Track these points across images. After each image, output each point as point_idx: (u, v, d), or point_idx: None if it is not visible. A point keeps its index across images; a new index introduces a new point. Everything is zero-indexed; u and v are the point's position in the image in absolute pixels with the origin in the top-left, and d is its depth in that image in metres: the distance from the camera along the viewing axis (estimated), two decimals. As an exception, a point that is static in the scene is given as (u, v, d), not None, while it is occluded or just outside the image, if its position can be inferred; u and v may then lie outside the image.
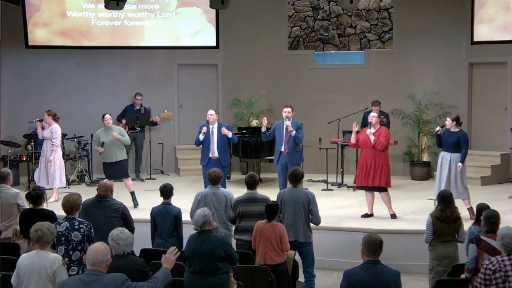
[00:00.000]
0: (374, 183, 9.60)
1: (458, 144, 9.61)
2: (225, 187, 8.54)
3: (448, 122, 9.72)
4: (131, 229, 7.12)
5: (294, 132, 10.18)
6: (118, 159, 10.68)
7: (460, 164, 9.60)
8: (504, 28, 13.17)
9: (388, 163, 9.76)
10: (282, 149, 10.31)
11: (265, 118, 10.74)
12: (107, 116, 10.85)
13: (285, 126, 10.28)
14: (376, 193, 9.82)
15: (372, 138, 9.56)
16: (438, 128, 9.86)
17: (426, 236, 7.21)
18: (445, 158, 9.70)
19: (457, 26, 13.65)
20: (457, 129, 9.69)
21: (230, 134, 10.18)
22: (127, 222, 7.25)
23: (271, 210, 7.04)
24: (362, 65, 14.45)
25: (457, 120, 9.72)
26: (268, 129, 10.81)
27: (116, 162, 10.67)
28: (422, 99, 13.52)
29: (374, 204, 9.88)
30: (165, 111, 14.03)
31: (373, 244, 5.07)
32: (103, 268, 4.75)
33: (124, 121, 13.56)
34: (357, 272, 5.06)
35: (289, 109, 10.35)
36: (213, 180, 7.84)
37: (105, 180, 7.82)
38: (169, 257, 5.15)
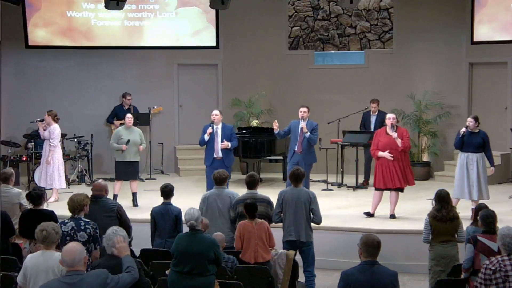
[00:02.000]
0: (403, 183, 9.61)
1: (482, 144, 9.62)
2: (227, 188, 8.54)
3: (472, 123, 9.63)
4: (128, 228, 7.13)
5: (308, 133, 10.25)
6: (135, 159, 10.73)
7: (493, 168, 9.73)
8: (504, 28, 13.18)
9: (409, 162, 9.85)
10: (296, 148, 10.34)
11: (276, 121, 10.68)
12: (129, 115, 10.89)
13: (300, 127, 10.30)
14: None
15: (399, 141, 9.53)
16: (463, 129, 9.67)
17: (424, 236, 7.23)
18: (470, 159, 9.65)
19: (457, 26, 13.65)
20: (477, 129, 9.69)
21: (229, 146, 10.23)
22: (123, 221, 7.25)
23: (251, 208, 7.06)
24: (362, 65, 14.46)
25: (478, 120, 9.72)
26: (270, 129, 10.76)
27: (133, 162, 10.71)
28: (422, 99, 13.52)
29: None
30: (155, 106, 14.04)
31: (371, 245, 5.06)
32: (82, 267, 4.74)
33: (116, 122, 13.55)
34: (355, 273, 5.05)
35: (305, 109, 10.38)
36: (217, 181, 7.86)
37: (100, 180, 7.80)
38: (122, 245, 5.27)
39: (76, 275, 4.66)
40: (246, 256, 6.99)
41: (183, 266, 5.93)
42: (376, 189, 9.83)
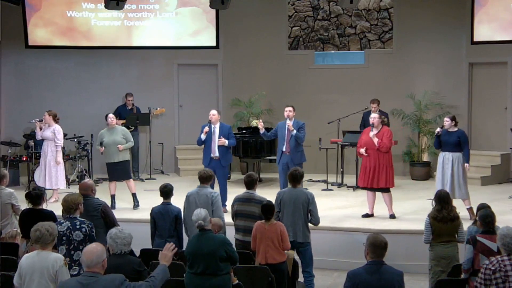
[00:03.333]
0: (378, 184, 9.60)
1: (459, 143, 9.63)
2: (212, 187, 8.51)
3: (448, 122, 9.71)
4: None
5: (294, 131, 10.24)
6: (120, 159, 10.60)
7: (467, 164, 9.67)
8: (504, 28, 13.17)
9: (391, 164, 9.78)
10: (284, 149, 10.36)
11: (260, 120, 10.74)
12: (110, 115, 10.80)
13: (286, 126, 10.31)
14: (378, 193, 9.82)
15: (375, 140, 9.55)
16: (438, 129, 9.82)
17: (425, 237, 7.22)
18: (446, 158, 9.69)
19: (457, 26, 13.65)
20: (455, 129, 9.72)
21: (226, 143, 10.20)
22: (108, 221, 7.18)
23: (267, 210, 7.05)
24: (362, 65, 14.45)
25: (455, 119, 9.76)
26: (269, 129, 10.79)
27: (118, 162, 10.57)
28: (422, 99, 13.52)
29: (374, 204, 9.87)
30: (157, 108, 14.03)
31: (378, 246, 5.06)
32: (100, 269, 4.75)
33: (118, 122, 13.51)
34: (361, 273, 5.05)
35: (290, 108, 10.42)
36: (201, 179, 7.82)
37: (86, 180, 7.79)
38: (166, 254, 5.12)
39: (92, 277, 4.69)
40: (259, 257, 6.99)
41: (196, 267, 5.98)
42: (361, 188, 9.93)
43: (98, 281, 4.67)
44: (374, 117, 9.76)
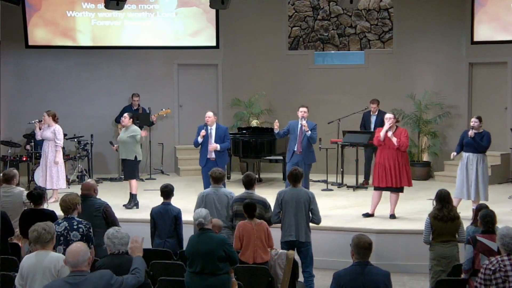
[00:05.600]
0: (401, 183, 9.57)
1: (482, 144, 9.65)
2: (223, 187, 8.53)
3: (477, 123, 9.67)
4: None
5: (309, 132, 10.21)
6: (124, 157, 10.75)
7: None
8: (504, 28, 13.18)
9: (408, 162, 9.77)
10: (295, 148, 10.33)
11: (277, 121, 10.68)
12: (125, 114, 10.94)
13: (299, 126, 10.30)
14: (383, 194, 9.80)
15: (394, 140, 9.52)
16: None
17: (425, 237, 7.23)
18: (470, 159, 9.66)
19: (457, 26, 13.65)
20: (481, 130, 9.71)
21: (218, 148, 10.16)
22: (110, 221, 7.17)
23: (250, 208, 7.06)
24: (362, 65, 14.45)
25: (481, 120, 9.77)
26: (270, 129, 10.74)
27: (123, 160, 10.80)
28: (422, 99, 13.52)
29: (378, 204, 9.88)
30: (163, 109, 14.02)
31: (362, 246, 5.06)
32: (86, 267, 4.75)
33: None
34: (346, 274, 5.05)
35: (305, 109, 10.38)
36: (215, 179, 7.85)
37: (89, 180, 7.84)
38: (136, 246, 5.23)
39: (80, 276, 4.67)
40: (245, 256, 6.99)
41: (195, 266, 5.99)
42: (375, 189, 9.83)
43: (87, 279, 4.66)
44: (389, 117, 9.65)
